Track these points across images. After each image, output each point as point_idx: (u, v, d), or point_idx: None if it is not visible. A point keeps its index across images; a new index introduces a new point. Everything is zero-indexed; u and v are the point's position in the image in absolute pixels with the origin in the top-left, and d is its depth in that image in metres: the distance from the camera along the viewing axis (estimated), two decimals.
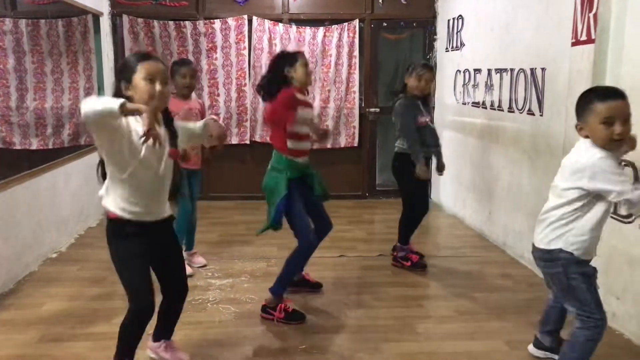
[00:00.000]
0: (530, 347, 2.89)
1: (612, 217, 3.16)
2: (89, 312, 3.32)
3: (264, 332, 3.14)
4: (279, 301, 3.26)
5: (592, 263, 2.45)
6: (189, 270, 3.86)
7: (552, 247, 2.40)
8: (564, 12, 3.53)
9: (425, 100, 4.10)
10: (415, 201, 4.10)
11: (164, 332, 2.68)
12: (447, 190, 6.04)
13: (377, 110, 6.31)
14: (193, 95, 3.99)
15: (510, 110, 4.40)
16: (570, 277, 2.39)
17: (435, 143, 4.09)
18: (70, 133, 4.96)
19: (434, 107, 6.15)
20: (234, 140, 6.19)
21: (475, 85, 5.17)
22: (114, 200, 2.31)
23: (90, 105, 2.05)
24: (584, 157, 2.26)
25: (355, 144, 6.32)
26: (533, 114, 4.05)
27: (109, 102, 2.04)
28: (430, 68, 4.07)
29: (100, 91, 5.68)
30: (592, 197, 2.28)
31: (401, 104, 4.00)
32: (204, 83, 6.05)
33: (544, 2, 3.89)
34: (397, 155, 4.07)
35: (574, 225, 2.34)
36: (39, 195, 4.11)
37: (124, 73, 2.29)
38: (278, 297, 3.27)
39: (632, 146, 2.33)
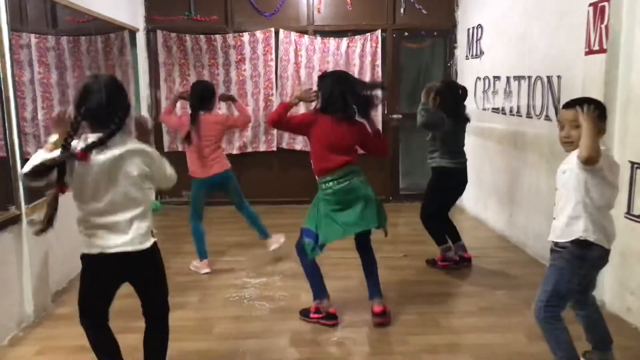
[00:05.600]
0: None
1: (626, 216, 3.36)
2: (137, 308, 3.59)
3: (297, 327, 3.39)
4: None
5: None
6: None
7: None
8: (577, 23, 3.73)
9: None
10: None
11: None
12: (469, 194, 6.22)
13: (400, 116, 6.53)
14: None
15: (529, 116, 4.59)
16: None
17: None
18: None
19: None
20: (262, 148, 6.48)
21: (494, 92, 5.37)
22: None
23: None
24: None
25: None
26: (550, 120, 4.24)
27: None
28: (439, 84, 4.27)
29: (137, 102, 6.02)
30: None
31: None
32: (233, 93, 6.33)
33: (558, 13, 4.09)
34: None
35: None
36: None
37: None
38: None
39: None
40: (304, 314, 3.49)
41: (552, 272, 2.58)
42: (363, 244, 3.53)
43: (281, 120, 3.35)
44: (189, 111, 4.30)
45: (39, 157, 2.29)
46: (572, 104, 2.53)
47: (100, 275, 2.54)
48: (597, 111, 2.46)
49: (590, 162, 2.36)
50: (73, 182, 2.35)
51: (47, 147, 2.34)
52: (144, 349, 2.66)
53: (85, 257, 2.48)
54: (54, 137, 2.37)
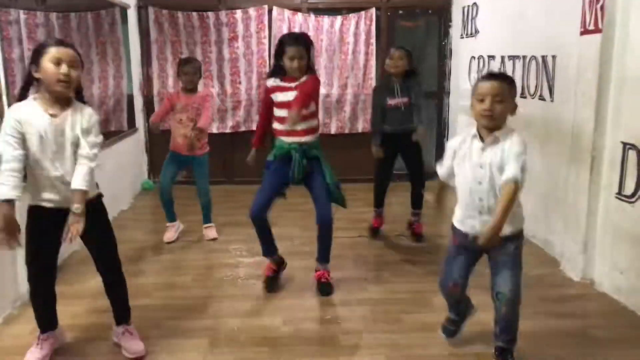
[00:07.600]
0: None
1: (616, 197, 3.40)
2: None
3: (292, 305, 3.44)
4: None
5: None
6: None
7: None
8: (572, 2, 3.71)
9: (408, 79, 4.40)
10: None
11: (116, 315, 2.93)
12: None
13: None
14: (200, 88, 4.51)
15: (523, 96, 4.59)
16: None
17: (400, 123, 4.41)
18: (100, 120, 5.26)
19: (445, 91, 6.39)
20: (255, 127, 6.44)
21: None
22: None
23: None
24: None
25: None
26: (544, 100, 4.26)
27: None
28: (401, 48, 4.42)
29: (129, 81, 5.97)
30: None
31: (375, 86, 4.45)
32: (225, 71, 6.31)
33: None
34: None
35: None
36: None
37: (34, 57, 2.46)
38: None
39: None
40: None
41: (517, 259, 2.70)
42: None
43: None
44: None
45: None
46: (495, 78, 2.52)
47: None
48: (513, 90, 2.56)
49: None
50: None
51: None
52: None
53: None
54: None
